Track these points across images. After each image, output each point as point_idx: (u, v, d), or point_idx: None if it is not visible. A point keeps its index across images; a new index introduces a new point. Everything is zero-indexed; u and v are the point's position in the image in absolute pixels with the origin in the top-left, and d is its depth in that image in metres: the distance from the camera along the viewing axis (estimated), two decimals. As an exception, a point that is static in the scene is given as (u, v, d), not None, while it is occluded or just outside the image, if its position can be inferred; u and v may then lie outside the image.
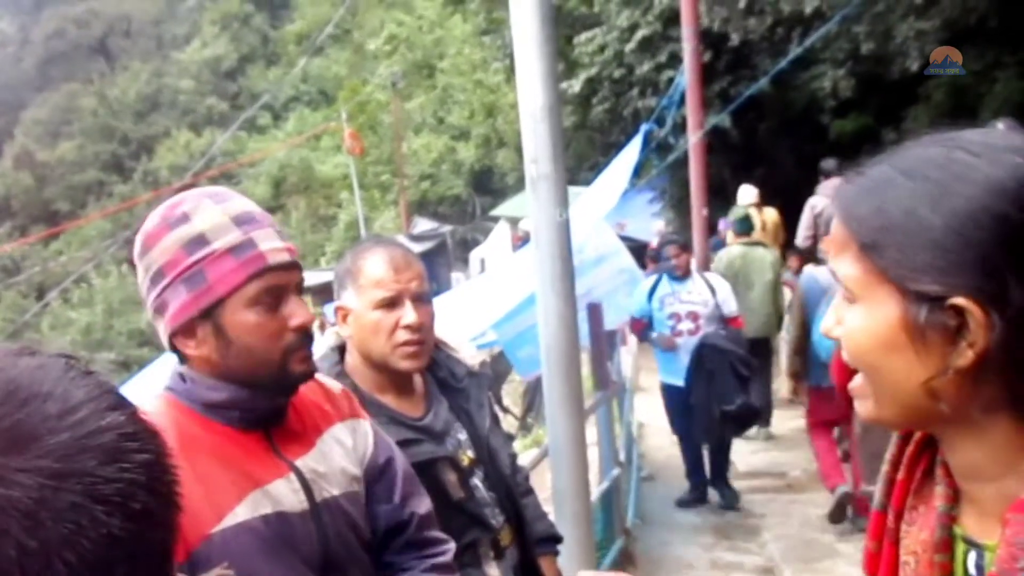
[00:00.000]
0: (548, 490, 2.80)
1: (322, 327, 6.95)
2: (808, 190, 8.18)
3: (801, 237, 7.80)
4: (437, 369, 2.04)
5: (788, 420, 7.22)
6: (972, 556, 0.83)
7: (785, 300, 7.03)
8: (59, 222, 37.17)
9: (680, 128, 9.55)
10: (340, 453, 1.49)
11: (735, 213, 7.04)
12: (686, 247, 5.97)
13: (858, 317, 0.83)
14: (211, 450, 1.33)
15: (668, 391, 5.93)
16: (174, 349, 1.38)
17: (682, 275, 5.75)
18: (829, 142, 10.71)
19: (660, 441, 7.26)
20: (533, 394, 8.93)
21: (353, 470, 1.50)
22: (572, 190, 3.81)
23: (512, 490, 2.04)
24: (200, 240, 1.32)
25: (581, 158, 15.61)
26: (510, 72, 13.45)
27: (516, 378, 9.70)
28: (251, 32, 51.71)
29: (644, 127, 8.61)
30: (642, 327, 5.90)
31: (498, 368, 8.99)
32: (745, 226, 6.93)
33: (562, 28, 12.43)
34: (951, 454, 0.85)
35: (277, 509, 1.34)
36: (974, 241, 0.74)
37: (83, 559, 0.58)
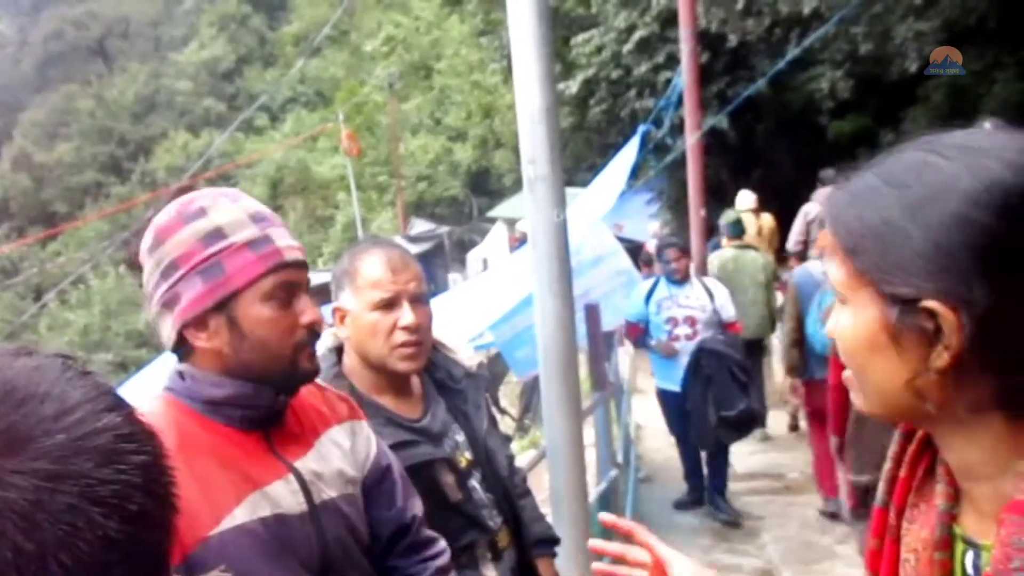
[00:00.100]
0: (545, 491, 2.79)
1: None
2: (806, 191, 8.20)
3: (792, 242, 7.82)
4: (435, 370, 2.04)
5: (785, 421, 7.23)
6: (970, 556, 0.84)
7: (778, 303, 7.03)
8: (57, 223, 37.08)
9: (678, 129, 9.56)
10: (338, 455, 1.49)
11: (727, 217, 7.06)
12: (686, 251, 5.89)
13: (846, 318, 0.86)
14: (210, 450, 1.33)
15: (664, 397, 5.84)
16: (178, 346, 1.38)
17: (681, 279, 5.67)
18: (827, 143, 10.73)
19: (658, 443, 7.25)
20: (530, 395, 8.92)
21: (350, 472, 1.50)
22: (570, 191, 3.82)
23: (510, 491, 2.03)
24: (218, 233, 1.33)
25: (579, 159, 15.64)
26: (507, 73, 13.49)
27: (513, 379, 9.68)
28: (248, 33, 51.72)
29: (641, 128, 8.61)
30: (638, 332, 5.76)
31: (495, 369, 9.00)
32: (737, 229, 6.95)
33: (559, 29, 12.45)
34: (947, 453, 0.86)
35: (276, 511, 1.34)
36: (944, 245, 0.76)
37: (79, 561, 0.58)
